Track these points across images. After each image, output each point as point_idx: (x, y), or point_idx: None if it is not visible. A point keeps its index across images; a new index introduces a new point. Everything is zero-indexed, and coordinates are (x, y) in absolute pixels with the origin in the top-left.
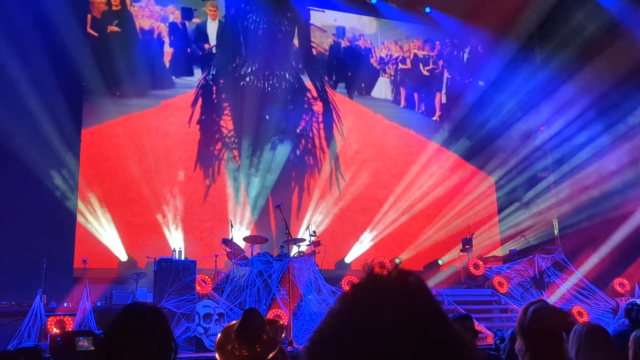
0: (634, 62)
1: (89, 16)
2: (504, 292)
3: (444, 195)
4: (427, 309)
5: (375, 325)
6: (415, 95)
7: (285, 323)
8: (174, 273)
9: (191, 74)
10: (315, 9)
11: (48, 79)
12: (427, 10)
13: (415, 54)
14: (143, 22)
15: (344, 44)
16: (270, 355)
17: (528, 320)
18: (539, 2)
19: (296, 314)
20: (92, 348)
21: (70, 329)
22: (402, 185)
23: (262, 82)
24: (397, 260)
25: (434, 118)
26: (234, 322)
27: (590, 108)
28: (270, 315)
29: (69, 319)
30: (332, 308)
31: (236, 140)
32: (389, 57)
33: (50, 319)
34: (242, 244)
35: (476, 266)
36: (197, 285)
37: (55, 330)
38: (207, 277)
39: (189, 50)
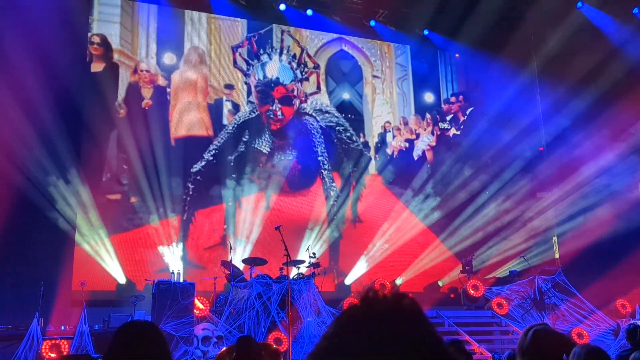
0: (633, 83)
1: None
2: (503, 314)
3: (444, 216)
4: (421, 331)
5: (370, 348)
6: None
7: (285, 347)
8: (172, 295)
9: None
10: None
11: (46, 98)
12: (425, 32)
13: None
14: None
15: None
16: None
17: (528, 342)
18: (537, 26)
19: (296, 337)
20: None
21: (66, 353)
22: (401, 206)
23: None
24: (397, 282)
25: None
26: (224, 349)
27: (590, 128)
28: (270, 339)
29: (64, 342)
30: (327, 331)
31: (234, 162)
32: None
33: (45, 343)
34: (241, 266)
35: (475, 287)
36: (194, 308)
37: (50, 354)
38: (203, 298)
39: None
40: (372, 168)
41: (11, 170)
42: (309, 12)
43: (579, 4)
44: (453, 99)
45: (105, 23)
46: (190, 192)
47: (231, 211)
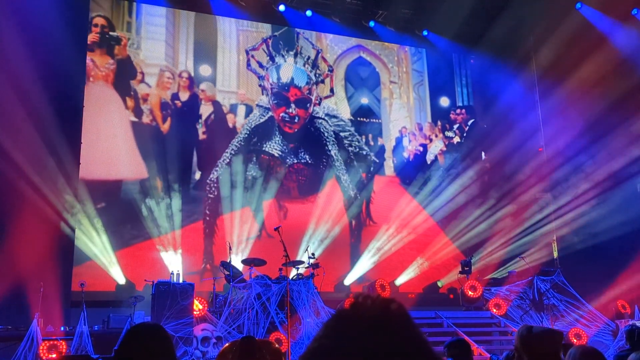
0: (631, 85)
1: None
2: (501, 314)
3: (444, 217)
4: (407, 335)
5: (358, 351)
6: None
7: (285, 348)
8: (171, 296)
9: None
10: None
11: (44, 99)
12: (425, 33)
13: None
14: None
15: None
16: None
17: (525, 340)
18: (537, 26)
19: (295, 337)
20: None
21: (64, 353)
22: (401, 206)
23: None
24: (397, 282)
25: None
26: (227, 345)
27: (588, 129)
28: (270, 339)
29: (62, 343)
30: (317, 333)
31: (245, 167)
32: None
33: (43, 343)
34: (240, 267)
35: (473, 288)
36: (192, 309)
37: (48, 355)
38: (201, 298)
39: None
40: (390, 170)
41: (11, 170)
42: (309, 12)
43: (578, 5)
44: (458, 110)
45: (151, 40)
46: (208, 200)
47: (240, 217)
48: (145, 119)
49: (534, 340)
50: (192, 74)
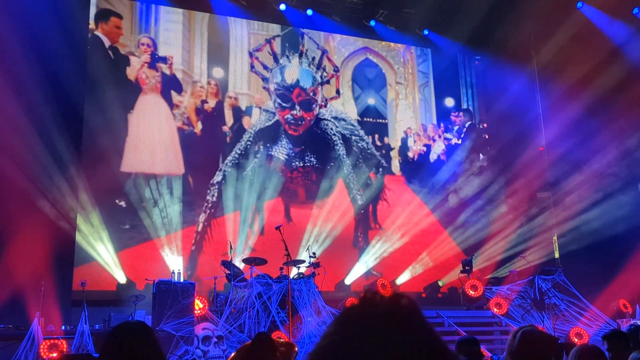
0: (632, 84)
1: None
2: (502, 314)
3: (445, 216)
4: (419, 330)
5: (369, 347)
6: None
7: None
8: (172, 295)
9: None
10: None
11: (45, 99)
12: (425, 32)
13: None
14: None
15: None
16: None
17: (516, 344)
18: (538, 26)
19: (296, 337)
20: None
21: (65, 352)
22: (404, 206)
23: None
24: (397, 282)
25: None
26: (248, 344)
27: (589, 128)
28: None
29: (63, 342)
30: (327, 330)
31: (250, 171)
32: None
33: (44, 342)
34: (241, 266)
35: (474, 287)
36: (193, 308)
37: (49, 354)
38: (202, 297)
39: None
40: (396, 169)
41: (12, 171)
42: (309, 12)
43: (579, 4)
44: (456, 113)
45: (169, 46)
46: (209, 203)
47: (245, 222)
48: (178, 122)
49: (526, 344)
50: (215, 81)
